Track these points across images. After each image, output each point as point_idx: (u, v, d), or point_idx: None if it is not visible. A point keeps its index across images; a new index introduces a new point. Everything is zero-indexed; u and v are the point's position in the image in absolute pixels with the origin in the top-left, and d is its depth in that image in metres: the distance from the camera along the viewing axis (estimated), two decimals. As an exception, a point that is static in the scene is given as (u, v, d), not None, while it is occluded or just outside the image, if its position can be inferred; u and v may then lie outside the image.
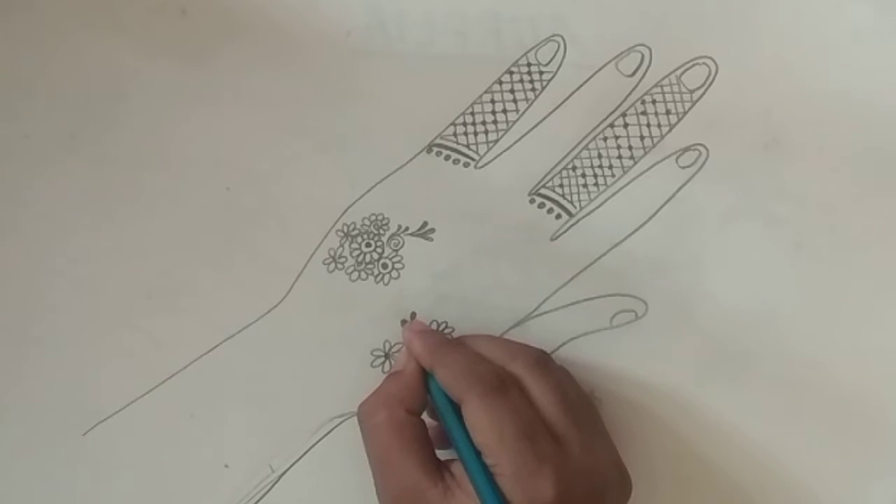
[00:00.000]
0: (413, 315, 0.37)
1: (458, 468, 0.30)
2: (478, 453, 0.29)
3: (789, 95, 0.38)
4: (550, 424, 0.30)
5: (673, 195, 0.37)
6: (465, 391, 0.30)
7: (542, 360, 0.32)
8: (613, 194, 0.37)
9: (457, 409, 0.31)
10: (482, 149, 0.38)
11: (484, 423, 0.29)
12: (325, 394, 0.36)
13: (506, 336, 0.36)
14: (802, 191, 0.37)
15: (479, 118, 0.39)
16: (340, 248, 0.38)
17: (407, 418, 0.31)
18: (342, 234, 0.38)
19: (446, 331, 0.36)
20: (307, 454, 0.36)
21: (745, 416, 0.35)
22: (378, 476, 0.31)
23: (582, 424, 0.30)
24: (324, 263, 0.38)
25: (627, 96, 0.38)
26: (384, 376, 0.33)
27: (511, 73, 0.39)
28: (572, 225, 0.37)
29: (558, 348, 0.36)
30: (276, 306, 0.37)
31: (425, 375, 0.32)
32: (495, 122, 0.39)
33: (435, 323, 0.36)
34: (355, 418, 0.34)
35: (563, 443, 0.30)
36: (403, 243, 0.38)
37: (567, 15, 0.39)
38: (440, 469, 0.30)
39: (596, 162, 0.38)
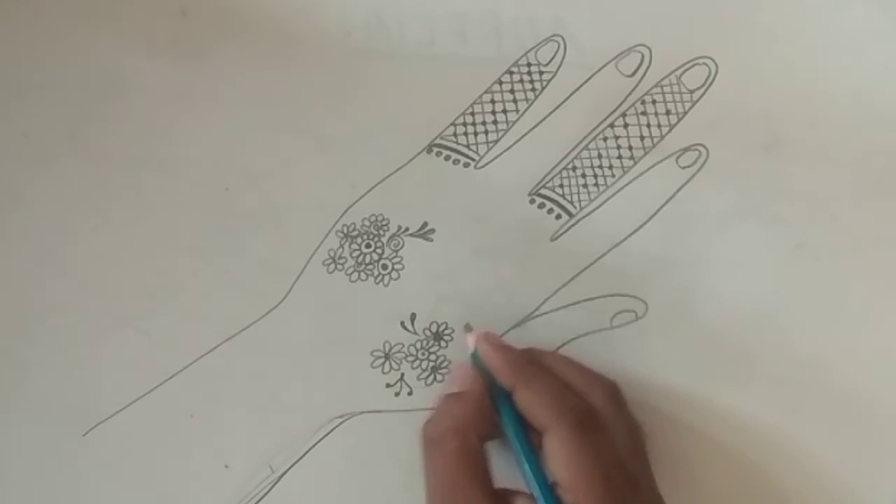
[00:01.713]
0: (413, 316, 0.37)
1: (521, 501, 0.30)
2: (549, 484, 0.29)
3: (789, 95, 0.38)
4: (625, 466, 0.29)
5: (673, 195, 0.37)
6: (554, 421, 0.29)
7: (617, 395, 0.32)
8: (613, 194, 0.37)
9: (526, 431, 0.30)
10: (482, 149, 0.38)
11: (571, 457, 0.29)
12: (325, 394, 0.36)
13: (506, 337, 0.36)
14: (802, 191, 0.37)
15: (479, 118, 0.39)
16: (340, 249, 0.38)
17: (479, 446, 0.30)
18: (342, 235, 0.38)
19: (446, 331, 0.36)
20: (307, 454, 0.36)
21: (746, 416, 0.35)
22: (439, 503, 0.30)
23: (647, 466, 0.31)
24: (323, 264, 0.38)
25: (627, 96, 0.38)
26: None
27: (511, 73, 0.39)
28: (572, 225, 0.37)
29: (558, 348, 0.36)
30: (276, 307, 0.37)
31: (491, 396, 0.32)
32: (495, 122, 0.39)
33: (435, 324, 0.36)
34: (355, 418, 0.34)
35: (637, 487, 0.29)
36: (403, 244, 0.38)
37: (567, 15, 0.39)
38: (503, 502, 0.30)
39: (596, 162, 0.38)
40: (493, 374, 0.32)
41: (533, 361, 0.32)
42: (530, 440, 0.30)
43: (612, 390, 0.32)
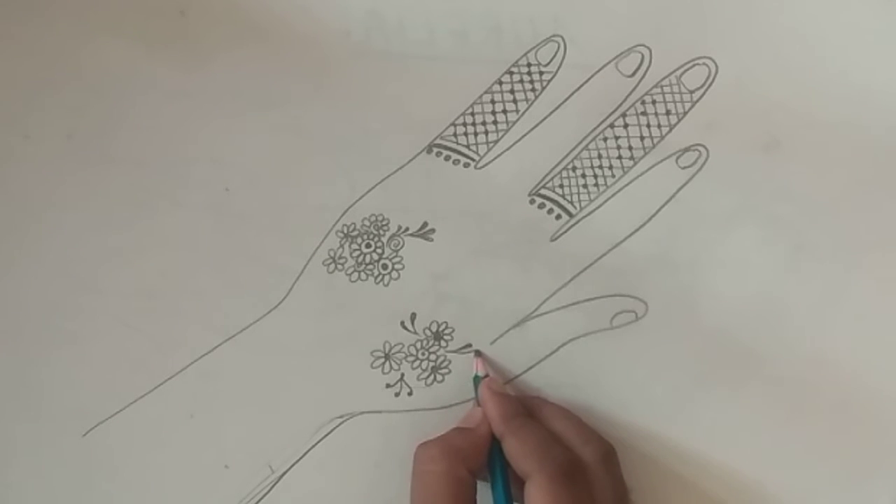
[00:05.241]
0: (413, 316, 0.37)
1: None
2: None
3: (789, 95, 0.38)
4: None
5: (673, 195, 0.37)
6: (535, 469, 0.30)
7: (611, 455, 0.32)
8: (613, 194, 0.37)
9: (508, 478, 0.31)
10: (482, 149, 0.38)
11: None
12: (325, 394, 0.36)
13: (506, 337, 0.36)
14: (802, 191, 0.37)
15: (479, 118, 0.39)
16: (340, 249, 0.38)
17: (466, 477, 0.31)
18: (342, 235, 0.38)
19: (446, 331, 0.36)
20: (307, 454, 0.36)
21: (745, 417, 0.35)
22: None
23: None
24: (324, 264, 0.38)
25: (627, 96, 0.38)
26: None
27: (511, 73, 0.39)
28: (572, 225, 0.37)
29: (558, 348, 0.36)
30: (276, 307, 0.37)
31: (493, 439, 0.32)
32: (495, 122, 0.39)
33: (435, 324, 0.36)
34: (355, 418, 0.34)
35: None
36: (403, 244, 0.38)
37: (567, 15, 0.39)
38: None
39: (596, 162, 0.38)
40: (489, 421, 0.33)
41: (524, 413, 0.33)
42: (509, 489, 0.31)
43: (606, 450, 0.32)
